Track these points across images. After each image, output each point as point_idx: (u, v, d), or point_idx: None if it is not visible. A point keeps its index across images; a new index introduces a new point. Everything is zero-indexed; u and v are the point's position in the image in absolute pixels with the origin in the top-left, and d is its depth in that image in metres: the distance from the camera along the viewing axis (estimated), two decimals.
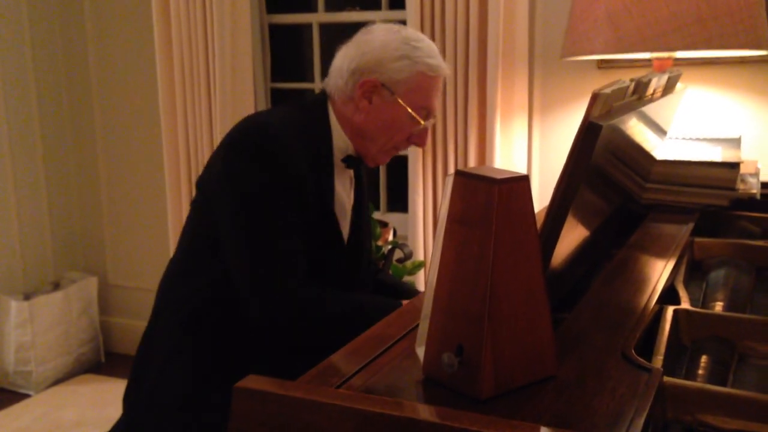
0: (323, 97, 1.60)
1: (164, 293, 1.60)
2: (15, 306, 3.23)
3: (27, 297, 3.34)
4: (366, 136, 1.56)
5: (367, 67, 1.52)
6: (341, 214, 1.58)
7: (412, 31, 1.58)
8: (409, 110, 1.53)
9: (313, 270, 1.48)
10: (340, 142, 1.57)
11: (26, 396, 3.25)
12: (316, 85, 3.29)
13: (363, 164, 1.64)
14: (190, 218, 1.59)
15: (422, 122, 1.55)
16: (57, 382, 3.36)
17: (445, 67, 1.57)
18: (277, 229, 1.42)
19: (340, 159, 1.57)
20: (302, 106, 1.59)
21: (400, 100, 1.53)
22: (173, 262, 1.62)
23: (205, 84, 3.08)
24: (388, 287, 1.82)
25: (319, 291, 1.46)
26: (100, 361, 3.58)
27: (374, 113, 1.54)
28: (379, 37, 1.54)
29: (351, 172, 1.64)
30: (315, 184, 1.49)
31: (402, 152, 2.77)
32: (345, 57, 1.56)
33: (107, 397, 3.18)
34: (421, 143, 1.61)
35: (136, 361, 1.61)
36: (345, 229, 1.60)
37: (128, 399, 1.60)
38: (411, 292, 1.81)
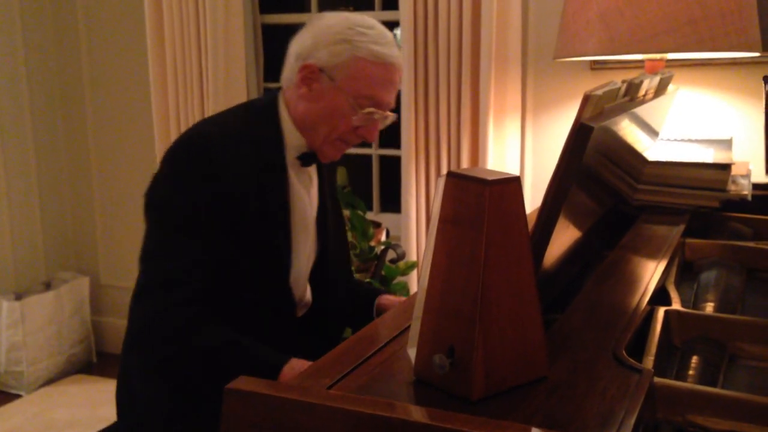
0: (275, 94, 1.54)
1: (132, 306, 1.59)
2: (6, 306, 3.22)
3: (18, 297, 3.33)
4: (309, 125, 1.49)
5: (307, 51, 1.46)
6: (301, 214, 1.53)
7: (365, 19, 1.48)
8: (350, 98, 1.45)
9: (256, 278, 1.45)
10: (294, 138, 1.51)
11: (17, 396, 3.23)
12: None
13: (319, 162, 1.57)
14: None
15: (360, 111, 1.46)
16: (48, 382, 3.35)
17: (393, 56, 1.47)
18: (180, 243, 1.37)
19: (294, 157, 1.51)
20: (250, 108, 1.55)
21: (339, 87, 1.44)
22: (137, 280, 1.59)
23: (198, 84, 3.07)
24: (359, 289, 1.77)
25: (195, 319, 1.37)
26: (91, 361, 3.57)
27: (314, 100, 1.47)
28: (325, 22, 1.47)
29: (310, 170, 1.57)
30: (257, 193, 1.43)
31: (394, 151, 2.76)
32: (293, 44, 1.50)
33: (99, 397, 3.17)
34: (369, 137, 1.51)
35: (120, 369, 1.61)
36: (306, 229, 1.55)
37: (119, 404, 1.60)
38: (377, 291, 1.75)
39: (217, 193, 1.38)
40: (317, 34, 1.46)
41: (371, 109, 1.47)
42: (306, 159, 1.53)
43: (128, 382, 1.57)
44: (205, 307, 1.40)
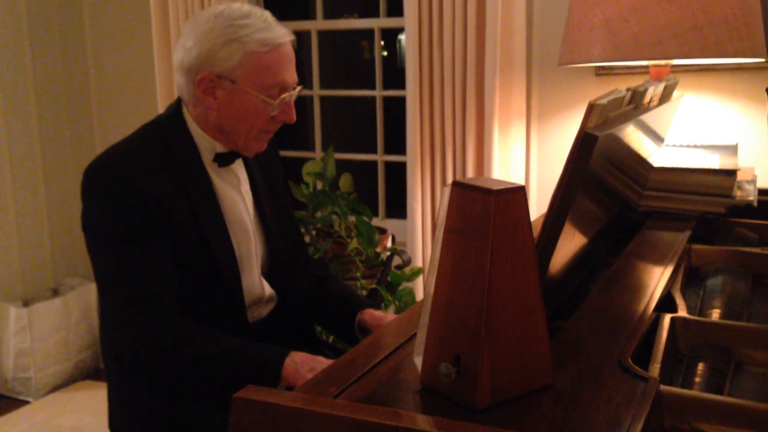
0: (177, 103, 1.52)
1: (102, 329, 1.59)
2: (14, 312, 3.23)
3: (26, 303, 3.34)
4: (226, 131, 1.47)
5: (198, 63, 1.42)
6: (235, 215, 1.52)
7: (238, 8, 1.44)
8: (258, 94, 1.43)
9: (197, 287, 1.45)
10: (204, 143, 1.49)
11: (25, 402, 3.24)
12: (315, 92, 3.30)
13: (244, 157, 1.55)
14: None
15: (273, 102, 1.44)
16: (56, 388, 3.36)
17: (281, 36, 1.44)
18: (136, 265, 1.37)
19: (211, 160, 1.50)
20: (156, 123, 1.53)
21: (244, 87, 1.42)
22: (98, 303, 1.61)
23: None
24: (337, 300, 1.72)
25: (187, 330, 1.39)
26: (99, 367, 3.58)
27: (224, 107, 1.44)
28: (202, 27, 1.42)
29: (234, 168, 1.54)
30: (181, 201, 1.42)
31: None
32: (177, 54, 1.47)
33: (106, 403, 3.17)
34: (287, 119, 1.50)
35: (108, 385, 1.63)
36: (245, 228, 1.53)
37: (109, 420, 1.62)
38: (362, 304, 1.68)
39: (142, 209, 1.38)
40: (200, 42, 1.41)
41: (283, 96, 1.46)
42: (222, 159, 1.51)
43: (114, 396, 1.59)
44: (182, 317, 1.41)
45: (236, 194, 1.54)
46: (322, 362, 1.34)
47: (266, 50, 1.42)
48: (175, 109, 1.52)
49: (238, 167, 1.56)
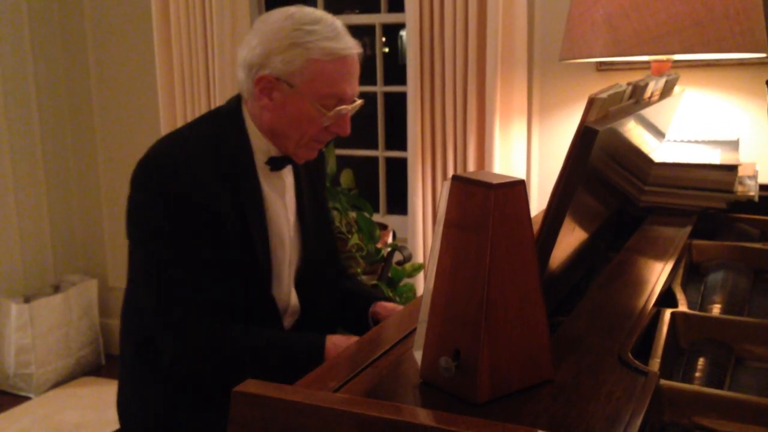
0: (237, 99, 1.50)
1: (123, 321, 1.59)
2: (15, 309, 3.23)
3: (27, 300, 3.35)
4: (278, 134, 1.45)
5: (259, 61, 1.40)
6: (275, 222, 1.50)
7: (309, 12, 1.42)
8: (313, 102, 1.41)
9: (239, 289, 1.44)
10: (261, 144, 1.47)
11: (26, 399, 3.25)
12: None
13: (295, 163, 1.53)
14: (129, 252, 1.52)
15: (327, 113, 1.42)
16: (57, 384, 3.36)
17: (347, 47, 1.41)
18: (182, 264, 1.37)
19: (263, 163, 1.48)
20: (214, 116, 1.51)
21: (301, 93, 1.40)
22: (125, 292, 1.58)
23: (205, 84, 3.09)
24: (350, 295, 1.73)
25: (228, 327, 1.39)
26: (100, 363, 3.58)
27: (278, 110, 1.42)
28: (270, 26, 1.40)
29: (283, 174, 1.53)
30: (231, 202, 1.41)
31: (403, 153, 2.76)
32: (242, 50, 1.45)
33: (107, 399, 3.17)
34: (341, 132, 1.47)
35: (119, 378, 1.62)
36: (283, 236, 1.52)
37: (120, 412, 1.61)
38: (374, 297, 1.69)
39: (192, 208, 1.37)
40: (266, 41, 1.40)
41: (339, 108, 1.43)
42: (275, 163, 1.49)
43: (127, 390, 1.58)
44: (223, 314, 1.41)
45: (280, 201, 1.52)
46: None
47: (329, 60, 1.39)
48: (235, 104, 1.50)
49: (287, 173, 1.54)
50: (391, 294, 2.44)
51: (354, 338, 1.37)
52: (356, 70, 1.45)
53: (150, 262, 1.40)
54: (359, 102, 1.49)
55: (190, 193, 1.36)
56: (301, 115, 1.42)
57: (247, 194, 1.44)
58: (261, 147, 1.48)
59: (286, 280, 1.56)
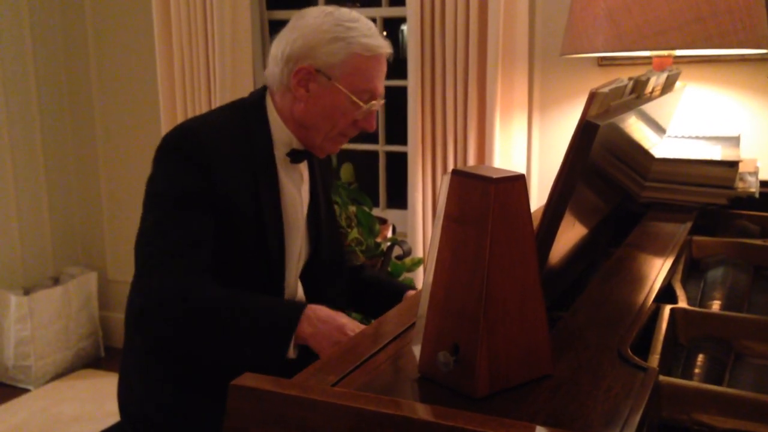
0: (262, 91, 1.54)
1: (129, 304, 1.59)
2: (15, 301, 3.23)
3: (27, 292, 3.35)
4: (308, 125, 1.49)
5: (300, 53, 1.45)
6: (291, 213, 1.53)
7: (347, 11, 1.49)
8: (350, 94, 1.46)
9: (249, 276, 1.46)
10: (282, 136, 1.51)
11: (26, 391, 3.25)
12: None
13: (314, 157, 1.57)
14: None
15: (363, 106, 1.48)
16: (56, 376, 3.37)
17: (383, 45, 1.48)
18: (177, 222, 1.37)
19: (284, 154, 1.52)
20: (238, 106, 1.54)
21: (338, 85, 1.46)
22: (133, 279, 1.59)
23: (205, 80, 3.08)
24: (378, 285, 1.75)
25: (203, 282, 1.36)
26: (99, 355, 3.59)
27: (313, 101, 1.47)
28: (311, 21, 1.47)
29: (301, 167, 1.57)
30: (248, 189, 1.43)
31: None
32: (278, 45, 1.49)
33: (107, 391, 3.18)
34: (368, 127, 1.53)
35: (121, 369, 1.62)
36: (297, 227, 1.55)
37: (121, 403, 1.61)
38: (403, 287, 1.72)
39: (210, 182, 1.39)
40: (307, 35, 1.45)
41: (372, 102, 1.49)
42: (296, 156, 1.53)
43: (130, 379, 1.58)
44: (211, 274, 1.38)
45: (296, 193, 1.55)
46: (343, 328, 1.31)
47: (368, 55, 1.46)
48: (260, 96, 1.53)
49: (303, 166, 1.58)
50: None
51: (341, 317, 1.34)
52: (385, 69, 1.53)
53: (147, 222, 1.41)
54: (383, 101, 1.55)
55: (208, 164, 1.39)
56: (335, 108, 1.47)
57: (264, 181, 1.47)
58: (283, 139, 1.51)
59: (294, 273, 1.58)
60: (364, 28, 1.47)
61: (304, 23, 1.47)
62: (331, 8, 1.49)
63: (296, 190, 1.55)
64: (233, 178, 1.42)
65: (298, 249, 1.57)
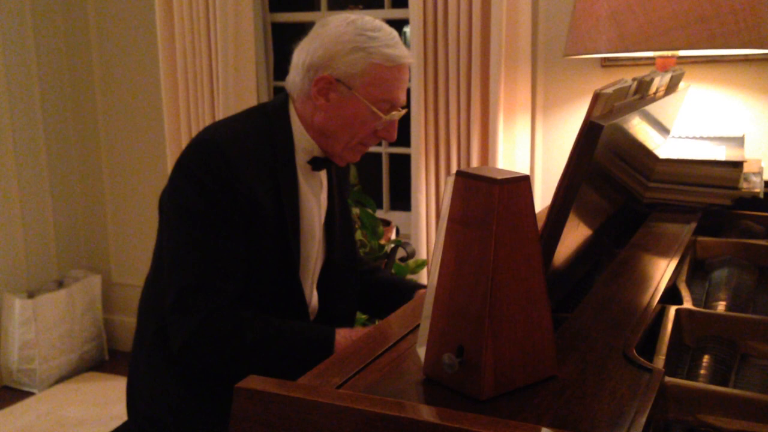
0: (284, 98, 1.53)
1: (141, 310, 1.60)
2: (19, 304, 3.24)
3: (31, 295, 3.35)
4: (328, 134, 1.49)
5: (321, 62, 1.45)
6: (308, 220, 1.53)
7: (369, 20, 1.48)
8: (370, 105, 1.45)
9: (269, 280, 1.47)
10: (304, 143, 1.51)
11: (30, 394, 3.26)
12: None
13: (333, 164, 1.58)
14: (157, 235, 1.55)
15: (383, 116, 1.47)
16: (61, 379, 3.37)
17: (405, 56, 1.47)
18: (211, 248, 1.38)
19: (305, 161, 1.52)
20: (261, 111, 1.53)
21: (358, 95, 1.45)
22: (147, 279, 1.60)
23: (208, 82, 3.08)
24: (390, 287, 1.77)
25: (239, 316, 1.40)
26: (103, 358, 3.59)
27: (333, 110, 1.46)
28: (332, 30, 1.45)
29: (320, 174, 1.58)
30: (271, 196, 1.44)
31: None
32: (300, 53, 1.49)
33: (111, 394, 3.19)
34: (388, 137, 1.52)
35: (130, 369, 1.62)
36: (314, 234, 1.55)
37: (129, 403, 1.61)
38: (415, 286, 1.74)
39: (235, 197, 1.39)
40: (328, 44, 1.44)
41: (393, 113, 1.49)
42: (317, 163, 1.53)
43: (138, 381, 1.58)
44: (244, 304, 1.42)
45: (314, 200, 1.55)
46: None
47: (389, 66, 1.45)
48: (282, 102, 1.52)
49: (323, 174, 1.58)
50: None
51: (359, 331, 1.39)
52: (408, 79, 1.52)
53: (183, 244, 1.41)
54: (404, 111, 1.53)
55: (237, 181, 1.39)
56: (355, 117, 1.47)
57: (285, 187, 1.47)
58: (305, 146, 1.51)
59: (310, 279, 1.58)
60: (386, 38, 1.45)
61: (325, 32, 1.46)
62: (354, 17, 1.48)
63: (315, 197, 1.55)
64: (257, 185, 1.42)
65: (314, 255, 1.57)
